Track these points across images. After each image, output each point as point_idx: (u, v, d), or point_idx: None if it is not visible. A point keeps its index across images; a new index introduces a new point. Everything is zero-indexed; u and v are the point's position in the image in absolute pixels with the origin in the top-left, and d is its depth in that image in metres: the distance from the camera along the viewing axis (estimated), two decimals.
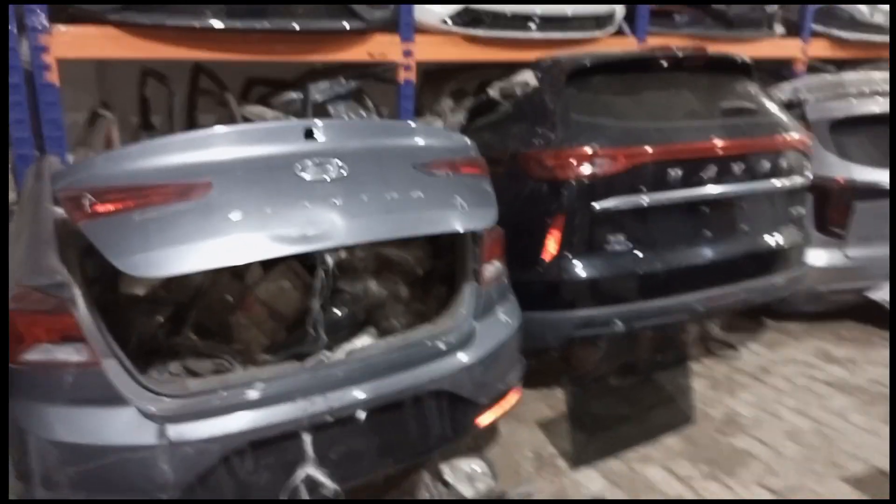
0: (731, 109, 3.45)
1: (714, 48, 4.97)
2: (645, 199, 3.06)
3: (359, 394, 2.10)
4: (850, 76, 4.31)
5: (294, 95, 3.91)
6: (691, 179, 3.15)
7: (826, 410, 3.29)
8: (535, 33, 4.23)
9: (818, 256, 3.88)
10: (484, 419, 2.46)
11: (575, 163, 2.97)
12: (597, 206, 2.99)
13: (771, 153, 3.37)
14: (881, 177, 3.85)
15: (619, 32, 4.80)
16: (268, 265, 2.58)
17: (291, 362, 2.18)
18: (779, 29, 5.45)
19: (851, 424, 3.16)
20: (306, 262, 2.57)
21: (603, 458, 2.87)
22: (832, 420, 3.20)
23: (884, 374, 3.65)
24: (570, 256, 3.04)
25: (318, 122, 2.09)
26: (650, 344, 3.78)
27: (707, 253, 3.28)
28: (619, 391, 3.44)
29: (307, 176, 1.98)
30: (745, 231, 3.39)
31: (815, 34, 5.48)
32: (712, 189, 3.21)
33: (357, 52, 3.85)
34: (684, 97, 3.47)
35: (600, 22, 4.56)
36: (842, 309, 4.20)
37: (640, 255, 3.13)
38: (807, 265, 3.68)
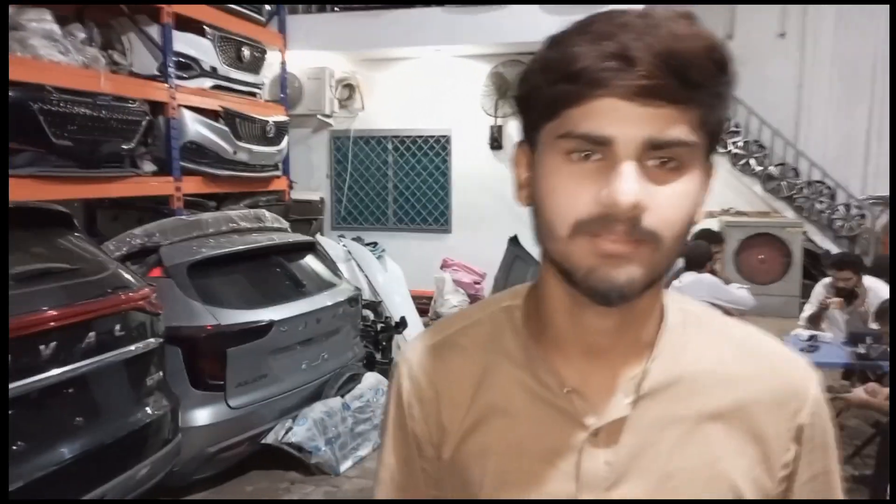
0: (48, 270, 2.76)
1: (67, 190, 4.28)
2: None
3: None
4: (207, 216, 4.17)
5: None
6: None
7: None
8: None
9: (200, 416, 3.45)
10: None
11: None
12: None
13: (106, 318, 2.78)
14: (250, 316, 3.70)
15: None
16: None
17: None
18: (148, 167, 5.14)
19: None
20: None
21: None
22: None
23: None
24: None
25: None
26: None
27: (25, 471, 2.39)
28: None
29: None
30: (82, 426, 2.64)
31: (188, 171, 5.35)
32: (22, 381, 2.40)
33: None
34: None
35: None
36: (247, 460, 3.87)
37: None
38: (179, 434, 3.17)
